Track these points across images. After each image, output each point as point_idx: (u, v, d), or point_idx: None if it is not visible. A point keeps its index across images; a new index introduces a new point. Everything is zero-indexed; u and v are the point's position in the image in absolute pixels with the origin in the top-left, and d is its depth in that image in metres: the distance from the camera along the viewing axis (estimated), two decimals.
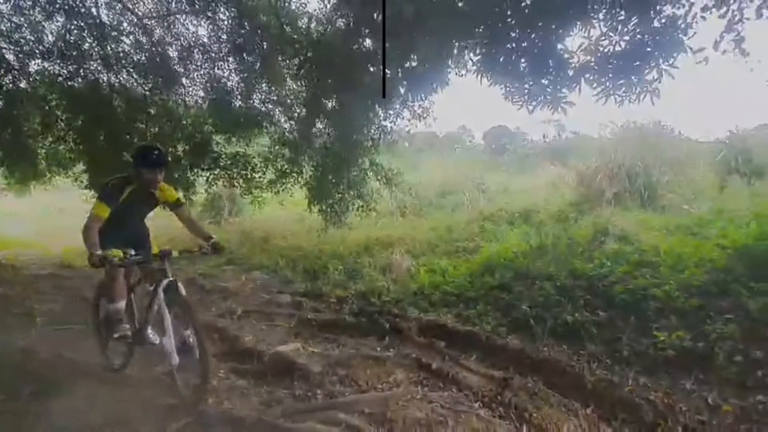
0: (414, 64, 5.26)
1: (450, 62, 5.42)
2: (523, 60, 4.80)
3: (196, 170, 8.17)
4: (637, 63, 4.34)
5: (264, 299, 6.11)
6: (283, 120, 8.24)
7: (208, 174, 8.23)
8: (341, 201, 7.83)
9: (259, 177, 8.46)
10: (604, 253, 5.14)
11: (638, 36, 4.32)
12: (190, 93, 8.07)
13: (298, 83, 7.25)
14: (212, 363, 3.07)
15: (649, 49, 4.27)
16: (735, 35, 4.23)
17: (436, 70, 5.31)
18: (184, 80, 7.84)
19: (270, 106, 8.15)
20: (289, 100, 7.99)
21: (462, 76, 5.88)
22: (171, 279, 3.04)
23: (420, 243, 7.82)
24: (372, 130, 7.41)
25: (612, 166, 9.08)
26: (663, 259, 4.67)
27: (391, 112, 6.72)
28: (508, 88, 5.06)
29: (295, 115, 7.78)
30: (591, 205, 8.46)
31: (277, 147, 8.25)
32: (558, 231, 6.69)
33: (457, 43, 4.95)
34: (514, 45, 4.75)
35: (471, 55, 5.40)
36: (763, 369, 3.18)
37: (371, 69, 5.23)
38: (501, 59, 4.84)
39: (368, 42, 5.35)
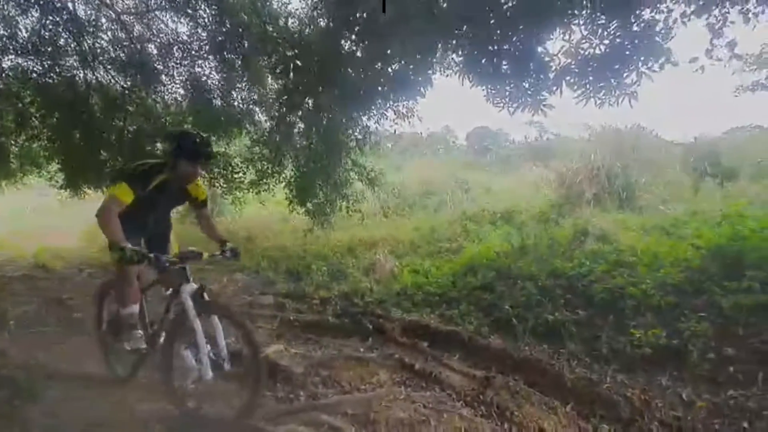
0: (396, 66, 5.26)
1: (433, 63, 5.45)
2: (504, 62, 4.84)
3: None
4: (617, 66, 4.42)
5: (246, 300, 6.03)
6: (263, 119, 8.17)
7: None
8: (328, 202, 7.79)
9: (240, 177, 8.36)
10: (583, 253, 5.24)
11: (618, 40, 4.40)
12: (170, 91, 7.91)
13: (280, 82, 7.16)
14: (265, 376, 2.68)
15: (628, 53, 4.35)
16: (727, 41, 4.42)
17: (420, 71, 5.33)
18: (163, 78, 7.69)
19: (251, 106, 8.05)
20: (270, 100, 7.91)
21: (447, 76, 5.92)
22: (197, 285, 2.67)
23: (403, 243, 7.85)
24: (356, 131, 7.39)
25: (592, 167, 9.25)
26: (640, 258, 4.78)
27: (375, 112, 6.71)
28: (490, 90, 5.11)
29: (276, 114, 7.70)
30: (571, 205, 8.61)
31: (257, 147, 8.14)
32: (539, 231, 6.79)
33: (440, 45, 4.98)
34: (495, 47, 4.79)
35: (454, 56, 5.45)
36: (735, 365, 3.28)
37: (353, 69, 5.21)
38: (483, 61, 4.88)
39: (350, 42, 5.33)
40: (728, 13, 4.31)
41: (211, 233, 3.17)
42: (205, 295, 2.63)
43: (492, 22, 4.60)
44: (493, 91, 5.08)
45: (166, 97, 7.92)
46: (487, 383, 3.50)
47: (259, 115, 8.17)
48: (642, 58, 4.31)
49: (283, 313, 5.30)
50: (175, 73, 7.75)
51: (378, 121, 6.96)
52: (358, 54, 5.26)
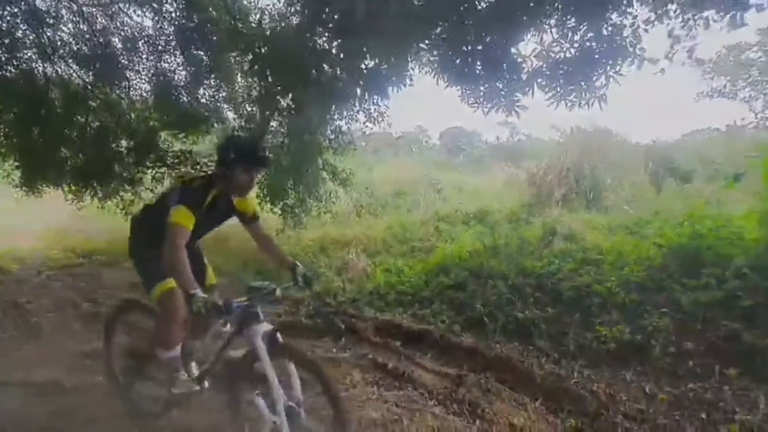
0: (370, 63, 5.24)
1: (408, 63, 5.45)
2: (478, 63, 4.89)
3: (140, 167, 7.75)
4: (587, 70, 4.53)
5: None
6: (232, 117, 7.96)
7: (153, 172, 7.84)
8: (300, 202, 7.69)
9: None
10: (552, 252, 5.36)
11: (587, 43, 4.51)
12: (135, 86, 7.62)
13: (249, 80, 7.00)
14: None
15: (597, 56, 4.47)
16: (688, 46, 4.63)
17: (394, 70, 5.32)
18: (128, 73, 7.41)
19: (219, 103, 7.81)
20: (239, 98, 7.73)
21: (425, 74, 5.88)
22: (270, 326, 2.32)
23: (376, 243, 7.84)
24: (328, 131, 7.30)
25: (561, 168, 9.48)
26: (605, 257, 4.92)
27: (348, 112, 6.66)
28: (464, 90, 5.16)
29: (245, 113, 7.53)
30: (541, 205, 8.79)
31: None
32: (510, 231, 6.90)
33: (414, 44, 4.99)
34: (469, 47, 4.83)
35: (428, 56, 5.47)
36: (694, 359, 3.43)
37: (326, 67, 5.16)
38: (457, 61, 4.91)
39: (323, 40, 5.27)
40: (690, 20, 4.49)
41: (274, 255, 2.75)
42: (279, 337, 2.31)
43: (466, 22, 4.64)
44: (468, 91, 5.13)
45: (131, 92, 7.63)
46: (459, 381, 3.54)
47: (228, 112, 7.97)
48: (610, 62, 4.44)
49: None
50: (140, 68, 7.48)
51: (350, 120, 6.92)
52: (333, 51, 5.20)
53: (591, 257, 4.99)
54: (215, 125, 7.76)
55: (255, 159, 2.45)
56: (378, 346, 4.26)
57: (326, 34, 5.24)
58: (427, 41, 5.00)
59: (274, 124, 7.24)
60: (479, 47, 4.75)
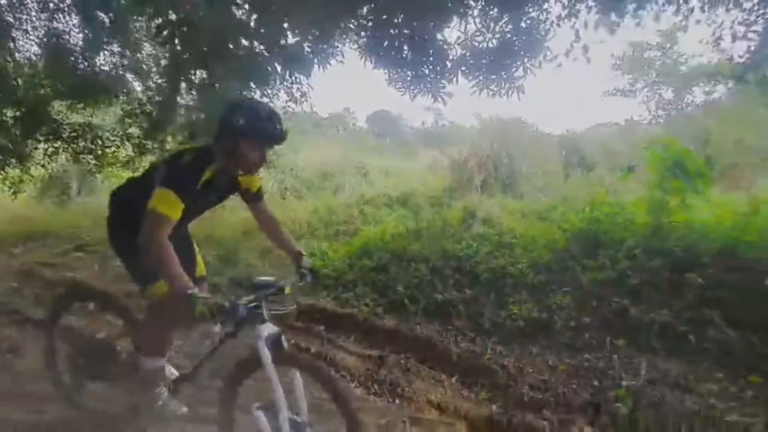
0: (293, 41, 5.03)
1: (333, 41, 5.30)
2: (406, 47, 4.90)
3: (31, 141, 6.85)
4: (507, 61, 4.73)
5: (124, 290, 5.44)
6: (139, 89, 7.28)
7: (46, 146, 6.96)
8: None
9: (113, 153, 7.43)
10: (471, 236, 5.60)
11: (508, 35, 4.70)
12: (22, 48, 6.65)
13: (158, 49, 6.34)
14: None
15: (516, 48, 4.68)
16: (589, 44, 5.05)
17: (318, 48, 5.15)
18: (13, 32, 6.41)
19: (122, 72, 7.04)
20: (145, 66, 7.06)
21: (355, 51, 5.75)
22: (276, 328, 1.99)
23: (301, 226, 7.67)
24: None
25: (481, 155, 9.91)
26: (518, 240, 5.25)
27: (270, 89, 6.33)
28: (391, 74, 5.15)
29: (153, 84, 6.88)
30: (463, 190, 9.15)
31: (131, 119, 7.25)
32: (432, 215, 7.11)
33: (341, 23, 4.86)
34: (397, 30, 4.82)
35: (355, 37, 5.37)
36: (590, 332, 3.79)
37: (243, 41, 4.83)
38: (385, 44, 4.88)
39: (241, 12, 4.92)
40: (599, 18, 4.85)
41: (279, 239, 2.43)
42: (284, 342, 2.00)
43: (394, 5, 4.60)
44: (395, 75, 5.14)
45: (17, 55, 6.64)
46: (381, 362, 3.62)
47: (133, 82, 7.25)
48: (528, 54, 4.67)
49: None
50: (28, 28, 6.52)
51: (273, 98, 6.59)
52: (252, 25, 4.90)
53: (506, 241, 5.29)
54: (119, 96, 7.03)
55: (271, 133, 1.97)
56: (301, 331, 4.21)
57: (245, 6, 4.93)
58: (353, 21, 4.89)
59: (187, 99, 6.70)
60: (406, 31, 4.75)
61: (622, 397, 2.97)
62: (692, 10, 4.96)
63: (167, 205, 1.82)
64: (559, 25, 4.84)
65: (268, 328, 1.95)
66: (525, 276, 4.52)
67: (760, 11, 4.64)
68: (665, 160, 4.71)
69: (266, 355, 1.89)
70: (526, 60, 4.70)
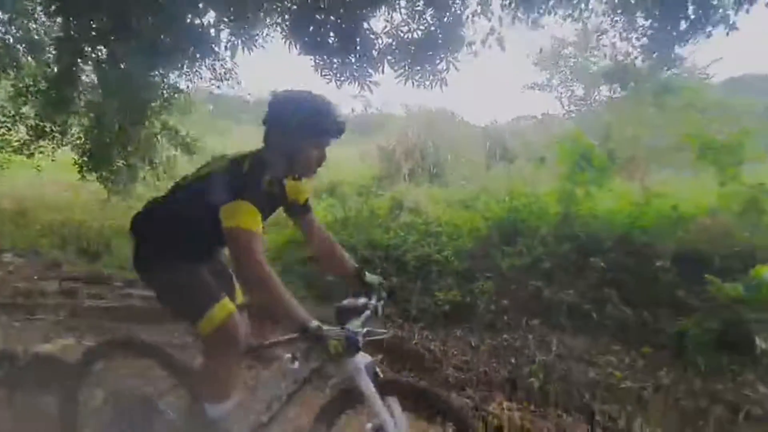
0: (208, 21, 4.73)
1: (255, 23, 5.06)
2: (332, 34, 4.82)
3: None
4: (430, 53, 4.83)
5: (20, 288, 4.86)
6: (32, 64, 6.48)
7: None
8: (128, 168, 6.69)
9: (2, 135, 6.56)
10: (398, 225, 5.70)
11: (432, 28, 4.79)
12: None
13: (53, 20, 5.62)
14: None
15: (440, 41, 4.79)
16: (497, 35, 5.33)
17: (238, 30, 4.89)
18: None
19: (11, 42, 6.26)
20: (37, 37, 6.30)
21: (281, 38, 5.55)
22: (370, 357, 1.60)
23: None
24: (162, 90, 6.42)
25: (408, 144, 10.10)
26: (444, 228, 5.44)
27: (186, 70, 5.90)
28: (317, 60, 5.05)
29: (50, 59, 6.12)
30: (391, 179, 9.28)
31: (22, 98, 6.46)
32: (360, 204, 7.13)
33: (262, 5, 4.65)
34: (323, 16, 4.72)
35: (279, 20, 5.18)
36: (508, 314, 4.05)
37: (153, 18, 4.43)
38: (310, 29, 4.77)
39: None
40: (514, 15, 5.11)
41: (333, 262, 1.99)
42: (378, 371, 1.62)
43: None
44: (321, 62, 5.04)
45: None
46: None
47: (24, 56, 6.44)
48: (450, 48, 4.80)
49: (75, 301, 4.44)
50: None
51: (191, 79, 6.18)
52: (161, 2, 4.52)
53: (432, 229, 5.45)
54: (7, 71, 6.19)
55: (334, 127, 1.71)
56: None
57: None
58: (277, 4, 4.71)
59: (90, 77, 6.06)
60: (332, 17, 4.67)
61: (535, 371, 3.21)
62: (590, 15, 5.43)
63: (250, 218, 1.50)
64: (473, 21, 5.05)
65: (364, 357, 1.62)
66: (450, 263, 4.70)
67: (655, 24, 5.15)
68: (573, 153, 5.11)
69: (369, 387, 1.57)
70: (448, 53, 4.83)
